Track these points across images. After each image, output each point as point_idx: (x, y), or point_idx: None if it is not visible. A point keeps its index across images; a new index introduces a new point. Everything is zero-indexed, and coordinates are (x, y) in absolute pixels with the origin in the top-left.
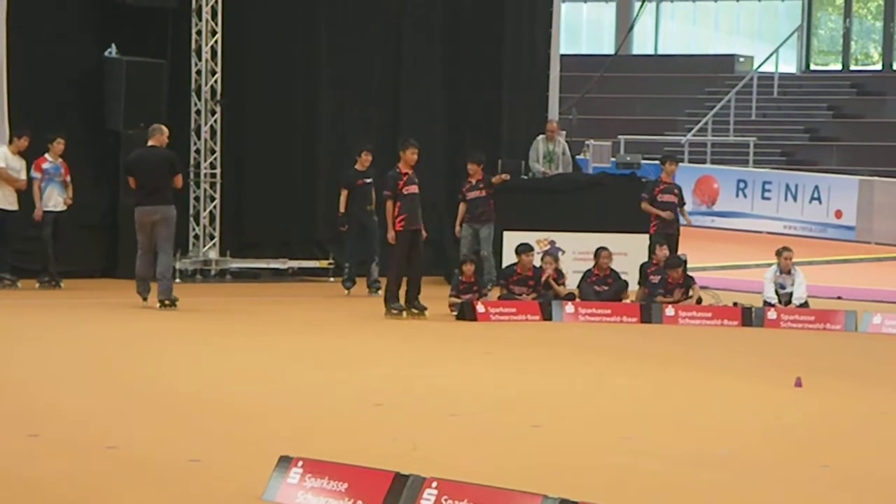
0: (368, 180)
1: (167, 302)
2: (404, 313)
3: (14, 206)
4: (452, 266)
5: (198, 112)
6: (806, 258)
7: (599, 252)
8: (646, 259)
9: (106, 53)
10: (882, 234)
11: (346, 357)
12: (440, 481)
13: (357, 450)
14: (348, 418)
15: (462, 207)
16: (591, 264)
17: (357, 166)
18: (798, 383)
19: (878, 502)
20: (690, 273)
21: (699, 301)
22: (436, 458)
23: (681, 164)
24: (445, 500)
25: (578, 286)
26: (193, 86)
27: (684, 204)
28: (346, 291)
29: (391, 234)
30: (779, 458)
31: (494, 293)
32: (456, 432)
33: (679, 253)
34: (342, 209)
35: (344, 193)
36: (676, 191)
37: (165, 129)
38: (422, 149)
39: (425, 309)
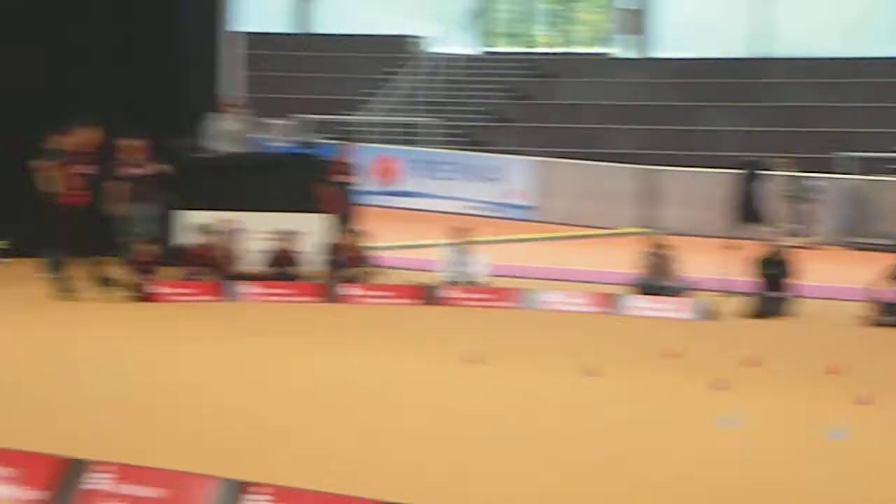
0: None
1: None
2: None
3: None
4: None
5: None
6: (484, 237)
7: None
8: (328, 240)
9: None
10: (558, 213)
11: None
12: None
13: None
14: None
15: (114, 186)
16: (271, 245)
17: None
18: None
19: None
20: (372, 251)
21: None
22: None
23: (360, 143)
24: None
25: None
26: None
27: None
28: None
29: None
30: (443, 433)
31: (173, 273)
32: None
33: (356, 230)
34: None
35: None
36: (349, 171)
37: None
38: (96, 129)
39: (117, 281)
